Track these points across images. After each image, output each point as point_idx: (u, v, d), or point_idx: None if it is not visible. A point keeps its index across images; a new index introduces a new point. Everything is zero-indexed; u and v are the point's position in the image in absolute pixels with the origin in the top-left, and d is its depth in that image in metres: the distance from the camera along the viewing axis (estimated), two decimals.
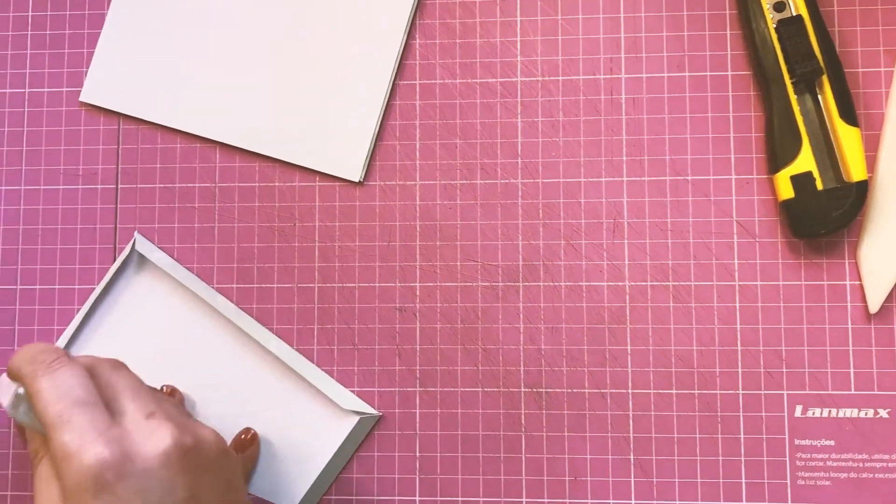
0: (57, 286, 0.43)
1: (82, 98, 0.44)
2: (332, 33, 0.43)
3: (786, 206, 0.39)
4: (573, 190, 0.42)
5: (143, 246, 0.43)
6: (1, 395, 0.32)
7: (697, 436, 0.40)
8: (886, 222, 0.40)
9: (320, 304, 0.42)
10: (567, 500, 0.40)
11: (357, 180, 0.42)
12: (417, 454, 0.41)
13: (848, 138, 0.39)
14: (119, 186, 0.44)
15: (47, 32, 0.45)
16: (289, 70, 0.43)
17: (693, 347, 0.40)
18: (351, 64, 0.43)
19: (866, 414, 0.39)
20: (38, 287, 0.43)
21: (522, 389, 0.41)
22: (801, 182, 0.39)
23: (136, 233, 0.43)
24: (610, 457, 0.40)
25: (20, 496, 0.42)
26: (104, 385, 0.32)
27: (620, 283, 0.41)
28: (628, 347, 0.41)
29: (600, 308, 0.41)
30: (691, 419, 0.40)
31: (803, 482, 0.39)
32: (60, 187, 0.44)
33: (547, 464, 0.40)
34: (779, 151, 0.39)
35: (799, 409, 0.40)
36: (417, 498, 0.41)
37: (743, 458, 0.40)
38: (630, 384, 0.40)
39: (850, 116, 0.39)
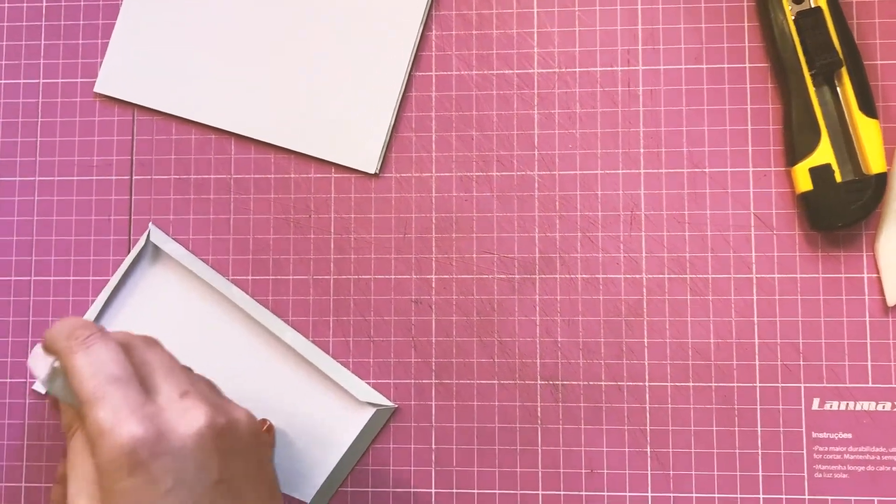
0: (71, 277, 0.43)
1: (97, 89, 0.44)
2: (348, 25, 0.43)
3: (804, 198, 0.39)
4: (590, 182, 0.41)
5: (158, 237, 0.43)
6: (36, 369, 0.32)
7: (714, 429, 0.40)
8: None
9: (336, 296, 0.42)
10: (583, 493, 0.40)
11: (373, 172, 0.42)
12: (433, 446, 0.41)
13: (867, 130, 0.39)
14: (133, 177, 0.44)
15: (62, 23, 0.45)
16: (305, 61, 0.43)
17: (710, 340, 0.40)
18: (367, 55, 0.43)
19: (884, 407, 0.39)
20: (52, 278, 0.43)
21: (539, 382, 0.41)
22: (820, 174, 0.39)
23: (150, 224, 0.43)
24: (626, 449, 0.40)
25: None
26: (139, 362, 0.32)
27: (637, 276, 0.41)
28: (645, 340, 0.40)
29: (617, 300, 0.41)
30: (708, 412, 0.40)
31: (820, 475, 0.39)
32: (75, 178, 0.44)
33: (563, 456, 0.40)
34: (797, 144, 0.39)
35: (816, 401, 0.40)
36: (433, 490, 0.41)
37: (760, 451, 0.40)
38: (647, 377, 0.40)
39: (869, 108, 0.39)
